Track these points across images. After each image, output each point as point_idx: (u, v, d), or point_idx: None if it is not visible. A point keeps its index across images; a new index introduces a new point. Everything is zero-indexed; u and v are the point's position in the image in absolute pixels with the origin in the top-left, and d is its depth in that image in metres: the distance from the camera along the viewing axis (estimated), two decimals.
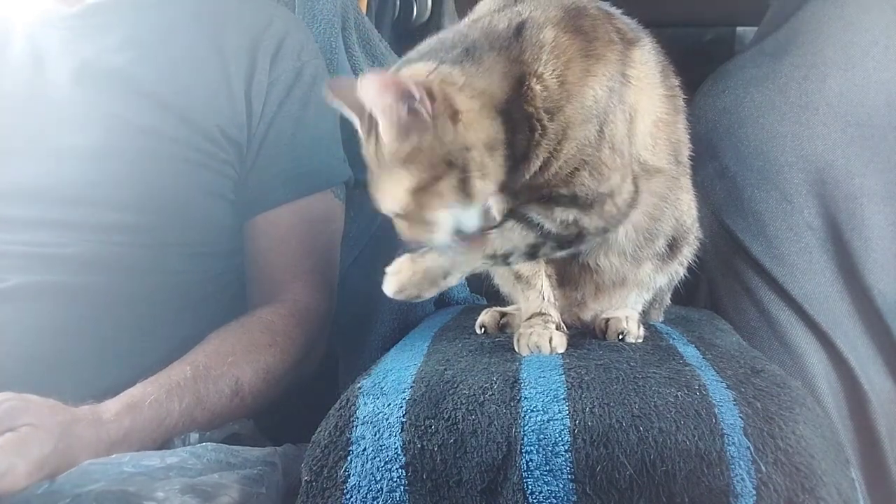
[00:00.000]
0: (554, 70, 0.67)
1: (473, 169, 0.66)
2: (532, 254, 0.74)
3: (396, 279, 0.74)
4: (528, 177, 0.70)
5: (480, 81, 0.66)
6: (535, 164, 0.69)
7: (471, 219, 0.68)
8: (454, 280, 0.74)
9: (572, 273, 0.83)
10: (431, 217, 0.68)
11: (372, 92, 0.64)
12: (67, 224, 0.86)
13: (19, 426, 0.64)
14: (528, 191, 0.72)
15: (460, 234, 0.69)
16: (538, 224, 0.72)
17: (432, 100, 0.64)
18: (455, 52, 0.67)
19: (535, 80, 0.67)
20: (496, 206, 0.74)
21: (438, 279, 0.73)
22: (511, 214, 0.73)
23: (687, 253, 0.86)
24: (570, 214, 0.71)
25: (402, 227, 0.70)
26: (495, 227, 0.73)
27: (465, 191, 0.66)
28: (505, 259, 0.74)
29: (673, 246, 0.82)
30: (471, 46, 0.67)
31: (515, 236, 0.72)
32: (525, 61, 0.67)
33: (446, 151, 0.65)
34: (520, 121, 0.67)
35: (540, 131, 0.67)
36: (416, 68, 0.67)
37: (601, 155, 0.69)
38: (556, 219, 0.72)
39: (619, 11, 0.75)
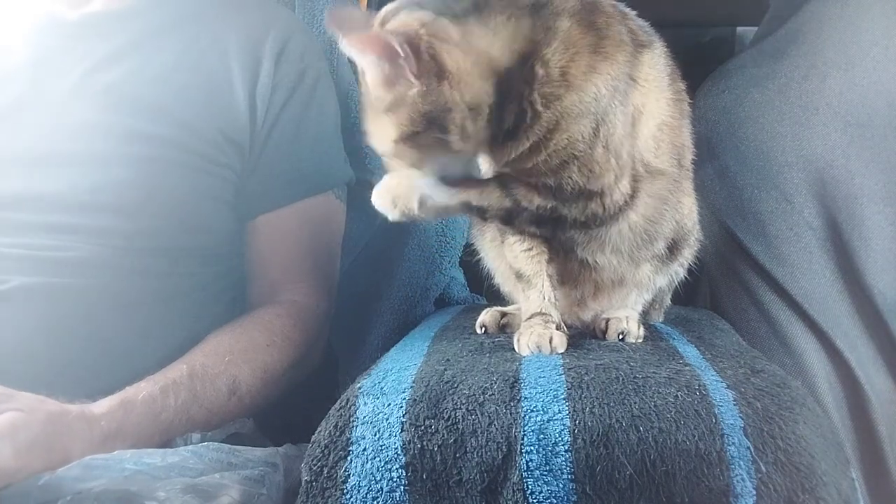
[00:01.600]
0: (560, 59, 0.67)
1: (452, 130, 0.66)
2: (507, 219, 0.75)
3: (388, 192, 0.75)
4: (513, 156, 0.70)
5: (482, 41, 0.66)
6: (523, 146, 0.69)
7: (455, 167, 0.71)
8: (425, 210, 0.75)
9: (572, 271, 0.83)
10: (416, 164, 0.70)
11: (356, 49, 0.65)
12: (68, 228, 0.86)
13: (5, 411, 0.64)
14: (515, 171, 0.72)
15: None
16: (517, 198, 0.73)
17: (418, 57, 0.64)
18: (462, 5, 0.66)
19: (539, 63, 0.66)
20: (484, 165, 0.74)
21: (416, 198, 0.74)
22: (496, 178, 0.73)
23: (687, 254, 0.86)
24: (549, 203, 0.72)
25: (390, 166, 0.74)
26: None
27: (444, 147, 0.68)
28: (481, 212, 0.75)
29: (672, 248, 0.82)
30: (482, 2, 0.67)
31: (493, 199, 0.73)
32: (535, 41, 0.67)
33: (428, 109, 0.65)
34: (514, 96, 0.67)
35: (531, 115, 0.67)
36: (411, 18, 0.66)
37: (594, 153, 0.69)
38: (535, 204, 0.72)
39: (634, 13, 0.75)
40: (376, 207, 0.76)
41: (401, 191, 0.74)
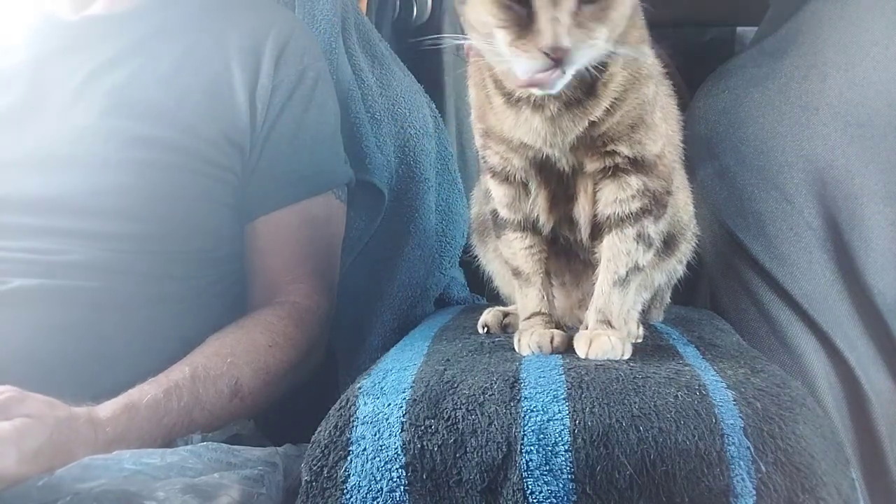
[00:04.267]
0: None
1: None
2: (648, 248, 0.74)
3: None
4: (595, 116, 0.69)
5: None
6: (602, 105, 0.68)
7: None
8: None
9: (576, 271, 0.82)
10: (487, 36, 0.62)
11: None
12: (69, 232, 0.86)
13: (15, 416, 0.64)
14: (588, 153, 0.71)
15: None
16: (629, 213, 0.72)
17: None
18: None
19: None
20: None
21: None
22: (603, 243, 0.73)
23: (685, 250, 0.86)
24: (638, 182, 0.71)
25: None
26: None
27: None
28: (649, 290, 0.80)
29: (669, 242, 0.82)
30: None
31: (625, 247, 0.73)
32: None
33: None
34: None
35: (609, 73, 0.67)
36: None
37: (654, 117, 0.70)
38: (633, 187, 0.71)
39: None
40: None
41: None
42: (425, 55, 1.44)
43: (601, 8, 0.62)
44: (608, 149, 0.71)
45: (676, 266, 0.86)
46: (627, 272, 0.73)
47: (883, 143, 1.04)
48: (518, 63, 0.61)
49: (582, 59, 0.62)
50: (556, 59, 0.60)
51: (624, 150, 0.70)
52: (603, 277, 0.73)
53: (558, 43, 0.59)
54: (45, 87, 0.94)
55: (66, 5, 0.99)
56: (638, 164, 0.71)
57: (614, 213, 0.72)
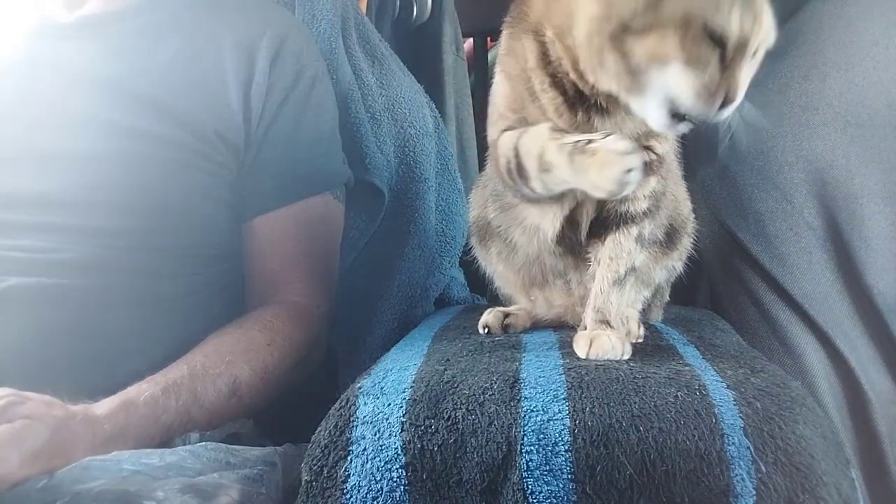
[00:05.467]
0: None
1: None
2: (641, 249, 0.76)
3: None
4: None
5: None
6: None
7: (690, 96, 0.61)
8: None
9: (577, 269, 0.82)
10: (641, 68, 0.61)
11: None
12: (64, 228, 0.85)
13: (15, 419, 0.64)
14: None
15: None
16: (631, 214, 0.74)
17: None
18: None
19: None
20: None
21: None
22: (605, 243, 0.75)
23: (686, 244, 0.87)
24: (654, 182, 0.74)
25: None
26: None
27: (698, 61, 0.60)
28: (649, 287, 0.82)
29: (672, 235, 0.83)
30: None
31: (627, 247, 0.74)
32: None
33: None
34: None
35: None
36: None
37: None
38: (651, 185, 0.73)
39: None
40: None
41: None
42: (425, 55, 1.44)
43: (753, 65, 0.64)
44: (648, 144, 0.72)
45: (676, 263, 0.87)
46: (626, 272, 0.74)
47: (883, 143, 1.04)
48: (690, 104, 0.62)
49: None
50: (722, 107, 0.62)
51: (657, 146, 0.73)
52: (601, 277, 0.74)
53: (736, 97, 0.61)
54: (39, 83, 0.94)
55: (60, 5, 0.99)
56: (660, 163, 0.74)
57: (626, 211, 0.74)
